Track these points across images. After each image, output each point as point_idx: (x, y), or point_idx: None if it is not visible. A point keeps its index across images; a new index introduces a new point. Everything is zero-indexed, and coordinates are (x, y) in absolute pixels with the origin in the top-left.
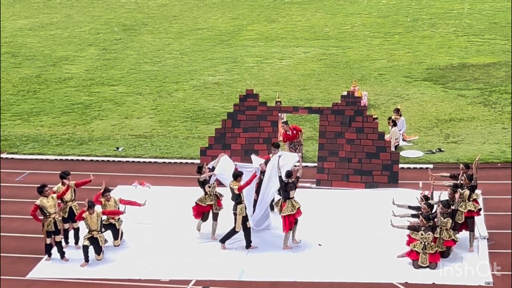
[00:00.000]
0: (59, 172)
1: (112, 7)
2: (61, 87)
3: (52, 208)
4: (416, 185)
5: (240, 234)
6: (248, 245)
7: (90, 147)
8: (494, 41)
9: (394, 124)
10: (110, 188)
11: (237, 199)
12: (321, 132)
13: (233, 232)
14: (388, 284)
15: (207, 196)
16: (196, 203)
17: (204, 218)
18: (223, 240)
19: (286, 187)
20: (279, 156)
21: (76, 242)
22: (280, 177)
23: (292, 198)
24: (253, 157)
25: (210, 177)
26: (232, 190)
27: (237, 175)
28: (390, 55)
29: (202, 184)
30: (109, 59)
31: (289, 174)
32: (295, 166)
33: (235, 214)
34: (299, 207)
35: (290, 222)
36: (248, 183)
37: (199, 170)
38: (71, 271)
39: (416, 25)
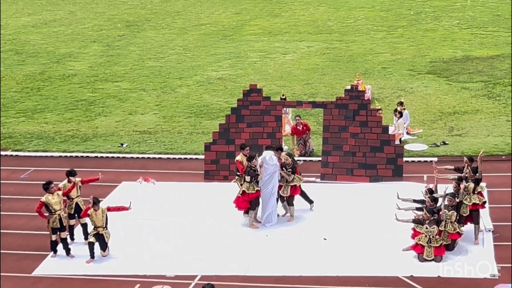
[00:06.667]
0: (65, 169)
1: (115, 4)
2: (65, 84)
3: (57, 204)
4: (420, 178)
5: (244, 233)
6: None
7: (95, 143)
8: (497, 33)
9: (401, 115)
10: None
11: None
12: (325, 127)
13: None
14: (393, 277)
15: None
16: (243, 192)
17: (253, 206)
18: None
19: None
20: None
21: (86, 238)
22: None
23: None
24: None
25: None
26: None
27: (241, 148)
28: (393, 49)
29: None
30: (113, 56)
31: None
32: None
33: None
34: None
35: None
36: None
37: (250, 159)
38: (76, 267)
39: (419, 18)
